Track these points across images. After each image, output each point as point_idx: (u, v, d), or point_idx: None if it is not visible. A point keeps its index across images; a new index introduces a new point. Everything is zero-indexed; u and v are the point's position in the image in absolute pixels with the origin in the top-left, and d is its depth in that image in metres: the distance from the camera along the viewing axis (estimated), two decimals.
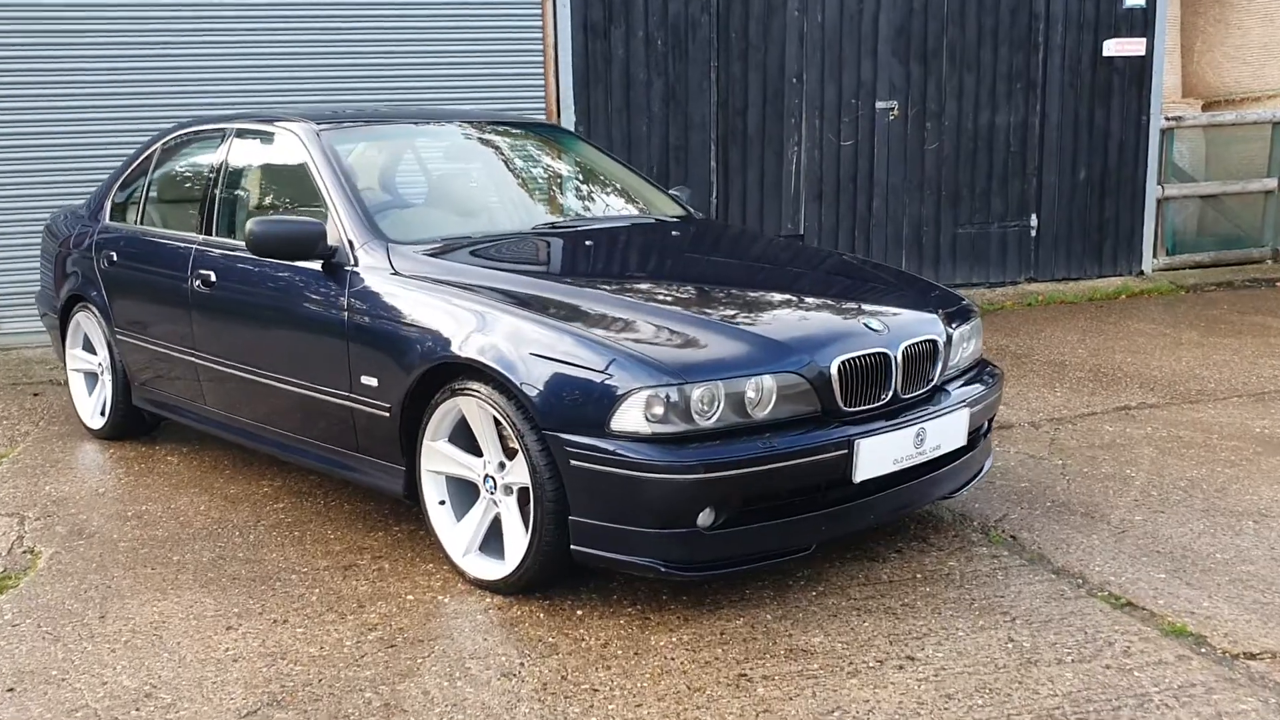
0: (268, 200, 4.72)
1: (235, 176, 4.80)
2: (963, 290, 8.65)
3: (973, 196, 9.25)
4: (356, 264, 3.99)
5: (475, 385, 3.51)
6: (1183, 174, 10.21)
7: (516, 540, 3.49)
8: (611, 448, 3.20)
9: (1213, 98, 11.73)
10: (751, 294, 3.84)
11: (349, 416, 3.96)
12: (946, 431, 3.65)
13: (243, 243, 4.27)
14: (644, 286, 3.80)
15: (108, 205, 5.60)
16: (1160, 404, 5.80)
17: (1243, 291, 9.41)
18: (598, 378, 3.24)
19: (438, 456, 3.71)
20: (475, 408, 3.53)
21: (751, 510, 3.30)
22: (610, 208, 4.96)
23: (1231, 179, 10.26)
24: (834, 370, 3.39)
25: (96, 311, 5.40)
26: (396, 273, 3.90)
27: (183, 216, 5.03)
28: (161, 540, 4.15)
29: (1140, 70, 9.64)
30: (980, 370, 4.10)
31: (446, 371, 3.61)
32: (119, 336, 5.26)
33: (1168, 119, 9.96)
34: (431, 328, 3.65)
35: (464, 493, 3.74)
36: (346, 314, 3.93)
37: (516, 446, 3.43)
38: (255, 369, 4.38)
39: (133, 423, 5.46)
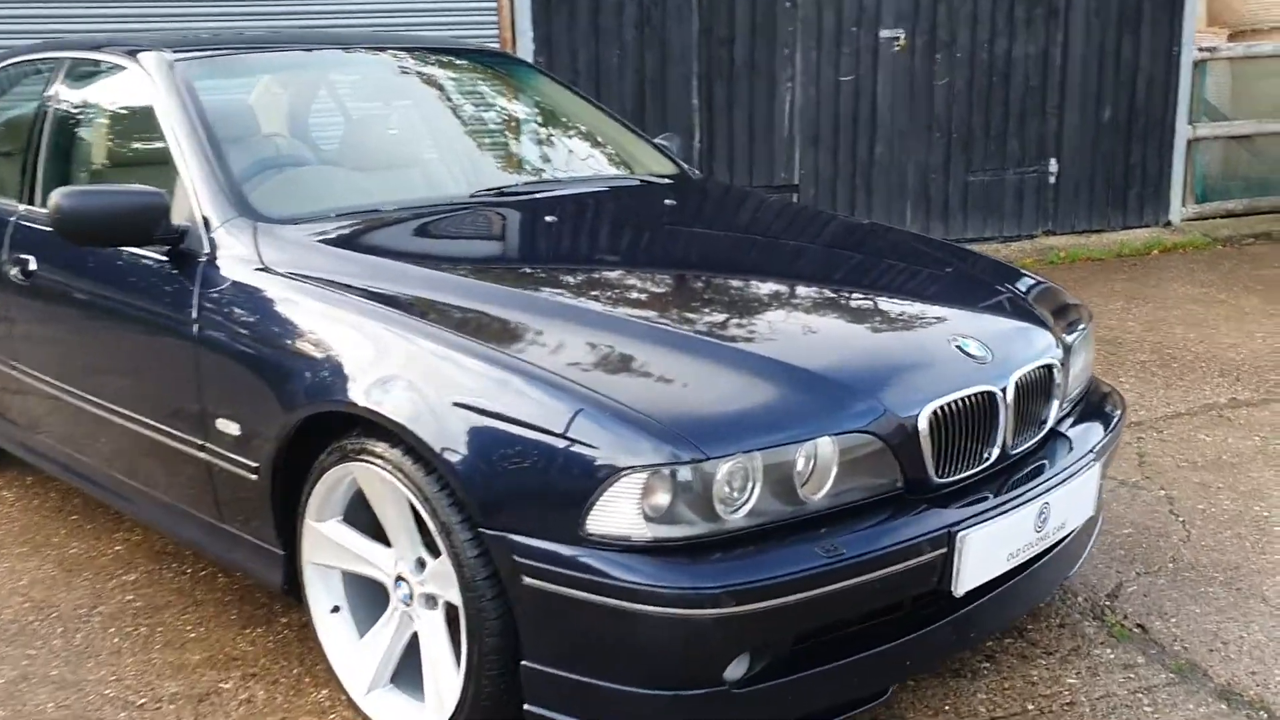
0: (104, 159, 3.46)
1: (63, 126, 3.54)
2: (976, 246, 7.44)
3: (986, 139, 8.08)
4: (213, 252, 2.77)
5: (376, 447, 2.32)
6: (1215, 112, 9.09)
7: (444, 680, 2.32)
8: (588, 561, 2.03)
9: (1239, 27, 10.59)
10: (788, 297, 2.65)
11: (205, 474, 2.76)
12: (1074, 502, 2.50)
13: None
14: (633, 290, 2.61)
15: None
16: (1256, 401, 4.70)
17: None
18: (564, 446, 2.06)
19: (326, 545, 2.53)
20: (377, 481, 2.35)
21: (805, 650, 2.15)
22: (580, 164, 3.73)
23: (1262, 117, 9.15)
24: (923, 423, 2.23)
25: None
26: (267, 267, 2.68)
27: (5, 178, 3.77)
28: None
29: None
30: (1093, 396, 2.95)
31: (335, 422, 2.42)
32: None
33: (1200, 49, 8.83)
34: (311, 354, 2.45)
35: (370, 595, 2.57)
36: (197, 325, 2.71)
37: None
38: (88, 394, 3.16)
39: None
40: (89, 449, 3.27)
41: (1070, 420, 2.74)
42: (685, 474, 2.00)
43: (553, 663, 2.11)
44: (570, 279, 2.67)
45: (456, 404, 2.17)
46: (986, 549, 2.25)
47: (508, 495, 2.11)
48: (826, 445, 2.13)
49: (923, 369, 2.33)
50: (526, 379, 2.15)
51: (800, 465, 2.10)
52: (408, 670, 2.48)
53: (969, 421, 2.32)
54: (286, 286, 2.60)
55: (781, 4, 7.34)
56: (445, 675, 2.31)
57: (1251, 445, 4.18)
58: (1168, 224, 8.72)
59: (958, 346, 2.41)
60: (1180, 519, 3.54)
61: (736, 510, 2.05)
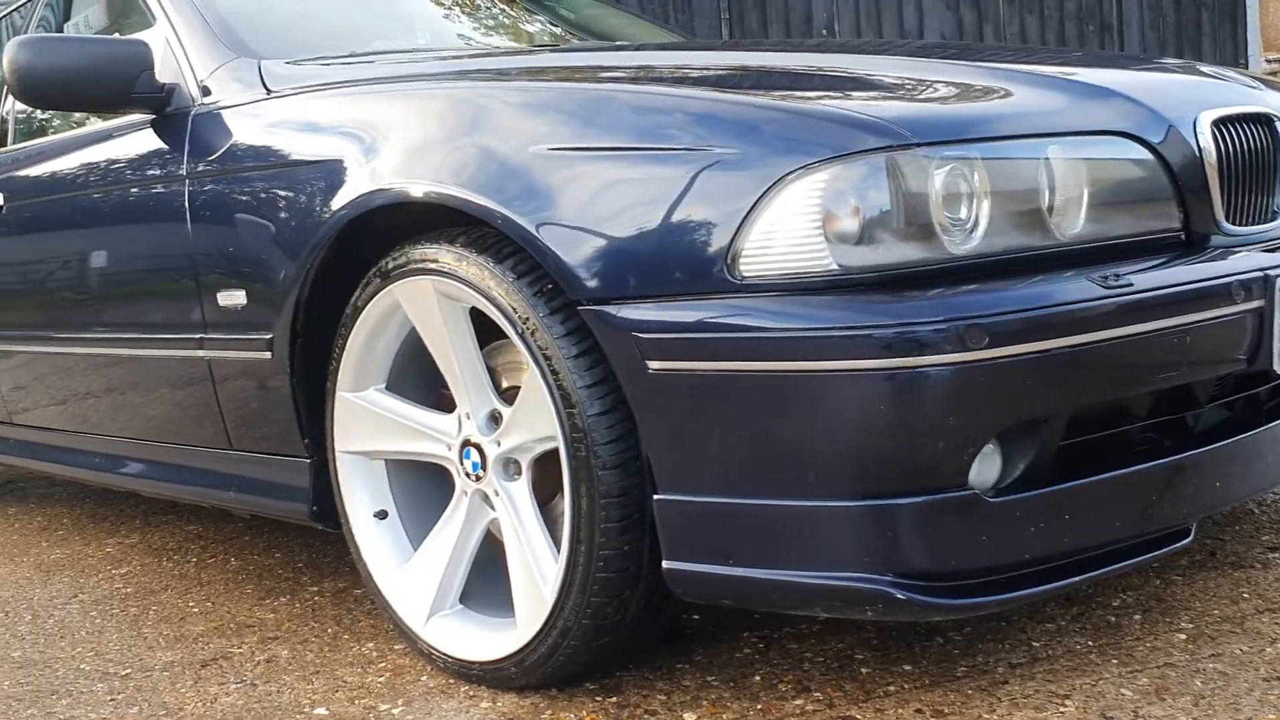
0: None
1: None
2: None
3: None
4: (205, 100, 2.16)
5: (427, 250, 1.66)
6: None
7: (543, 567, 1.61)
8: (744, 319, 1.35)
9: None
10: (973, 58, 2.01)
11: (206, 378, 2.10)
12: None
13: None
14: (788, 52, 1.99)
15: None
16: None
17: None
18: (697, 165, 1.40)
19: (366, 423, 1.85)
20: (432, 299, 1.68)
21: (1080, 446, 1.45)
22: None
23: None
24: (1205, 136, 1.56)
25: None
26: (272, 93, 2.07)
27: None
28: None
29: (1233, 5, 8.03)
30: None
31: (374, 238, 1.77)
32: None
33: (1268, 60, 8.34)
34: (340, 153, 1.81)
35: (426, 497, 1.88)
36: (188, 187, 2.09)
37: (517, 383, 1.61)
38: (73, 334, 2.51)
39: None
40: (75, 413, 2.61)
41: None
42: (881, 170, 1.33)
43: (702, 488, 1.41)
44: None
45: (552, 149, 1.52)
46: None
47: (619, 252, 1.45)
48: (1078, 154, 1.46)
49: (1186, 83, 1.69)
50: (636, 96, 1.53)
51: (1045, 180, 1.43)
52: (482, 591, 1.78)
53: (1253, 157, 1.65)
54: (302, 101, 1.99)
55: (817, 32, 6.90)
56: (541, 562, 1.61)
57: None
58: None
59: (1214, 74, 1.77)
60: None
61: (963, 232, 1.38)
